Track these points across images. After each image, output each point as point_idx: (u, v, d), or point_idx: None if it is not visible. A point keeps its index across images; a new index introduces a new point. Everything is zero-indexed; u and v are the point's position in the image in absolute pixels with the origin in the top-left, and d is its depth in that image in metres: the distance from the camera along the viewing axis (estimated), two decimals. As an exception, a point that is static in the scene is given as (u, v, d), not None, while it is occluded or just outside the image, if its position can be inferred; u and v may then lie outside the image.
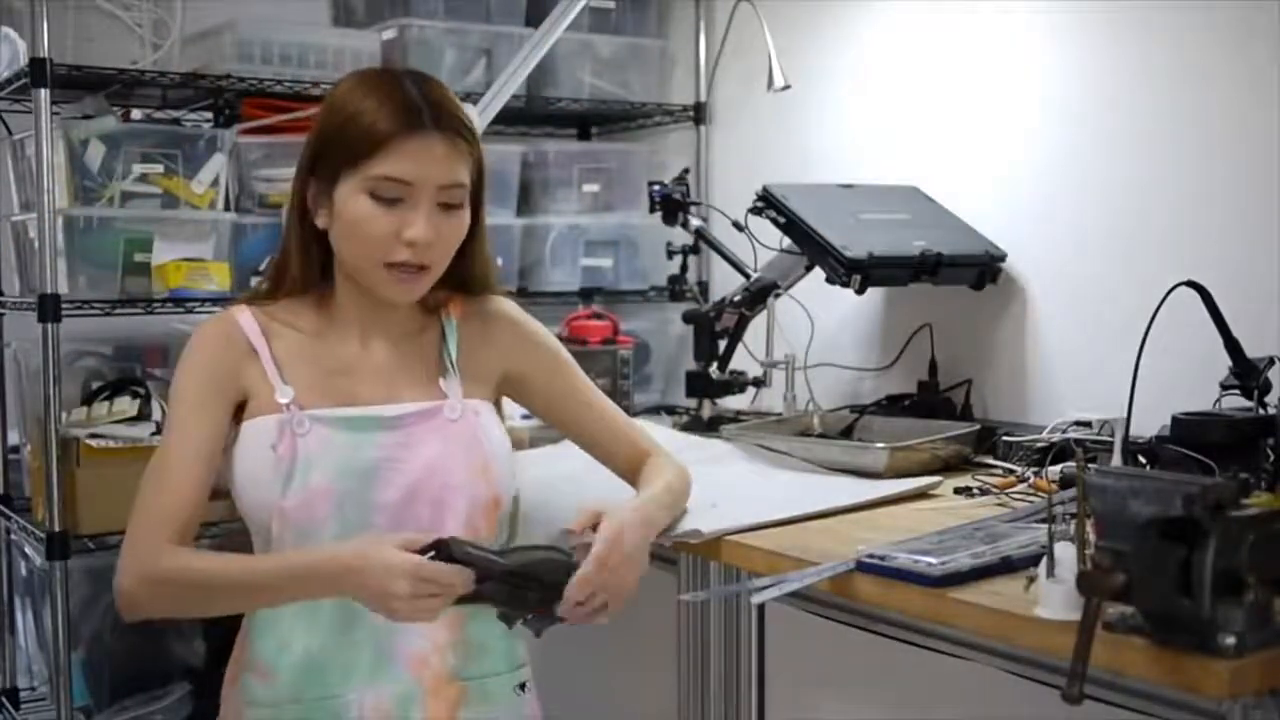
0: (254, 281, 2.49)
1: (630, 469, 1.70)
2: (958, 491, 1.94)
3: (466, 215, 1.54)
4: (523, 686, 1.62)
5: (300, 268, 1.58)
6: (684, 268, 2.96)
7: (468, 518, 1.53)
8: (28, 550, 2.65)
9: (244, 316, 1.57)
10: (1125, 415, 1.72)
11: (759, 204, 2.34)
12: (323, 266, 1.59)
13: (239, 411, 1.55)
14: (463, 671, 1.55)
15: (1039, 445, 2.02)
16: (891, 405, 2.39)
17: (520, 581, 1.42)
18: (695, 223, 2.70)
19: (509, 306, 1.70)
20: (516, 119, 3.04)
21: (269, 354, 1.54)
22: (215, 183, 2.54)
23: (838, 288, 2.23)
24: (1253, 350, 1.77)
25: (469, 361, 1.62)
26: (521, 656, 1.63)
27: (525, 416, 2.25)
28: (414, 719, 1.52)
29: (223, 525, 2.30)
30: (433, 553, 1.38)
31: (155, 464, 1.52)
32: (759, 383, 2.51)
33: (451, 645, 1.54)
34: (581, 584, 1.43)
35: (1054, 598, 1.28)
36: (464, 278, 1.63)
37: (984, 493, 1.91)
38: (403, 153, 1.46)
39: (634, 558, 1.48)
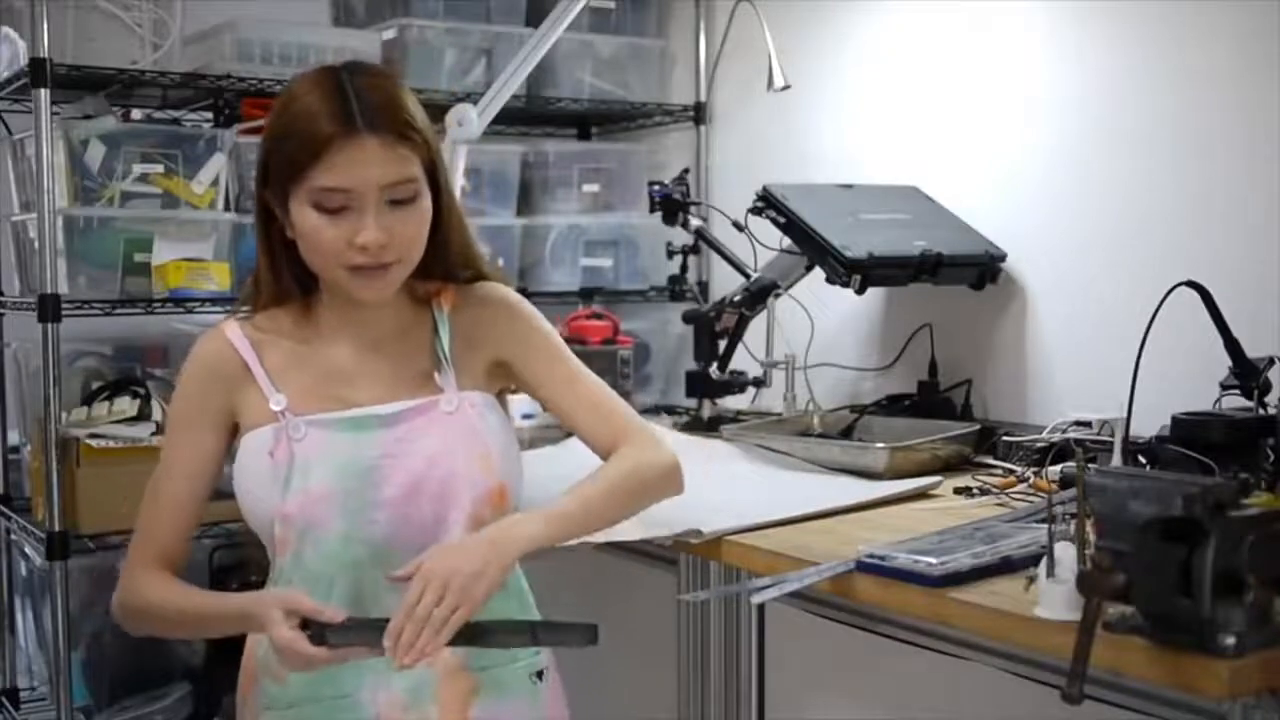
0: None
1: (606, 454, 1.64)
2: (958, 491, 1.94)
3: (424, 205, 1.51)
4: (540, 675, 1.62)
5: (270, 280, 1.57)
6: (684, 268, 2.96)
7: (472, 510, 1.52)
8: (28, 550, 2.65)
9: (233, 332, 1.57)
10: (1125, 415, 1.72)
11: (759, 204, 2.33)
12: (301, 274, 1.58)
13: (239, 429, 1.57)
14: (473, 662, 1.55)
15: (1039, 445, 2.02)
16: (891, 405, 2.39)
17: None
18: (695, 223, 2.70)
19: (501, 292, 1.67)
20: (516, 119, 3.04)
21: (260, 366, 1.55)
22: (215, 183, 2.55)
23: (838, 288, 2.23)
24: (1253, 350, 1.77)
25: (463, 353, 1.61)
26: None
27: (526, 416, 2.25)
28: (428, 711, 1.52)
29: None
30: (308, 629, 1.40)
31: (148, 489, 1.57)
32: (759, 383, 2.51)
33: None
34: (391, 632, 1.38)
35: (1054, 598, 1.28)
36: (446, 265, 1.61)
37: (984, 493, 1.91)
38: (338, 161, 1.44)
39: (465, 575, 1.41)
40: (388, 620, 1.40)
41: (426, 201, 1.52)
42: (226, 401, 1.55)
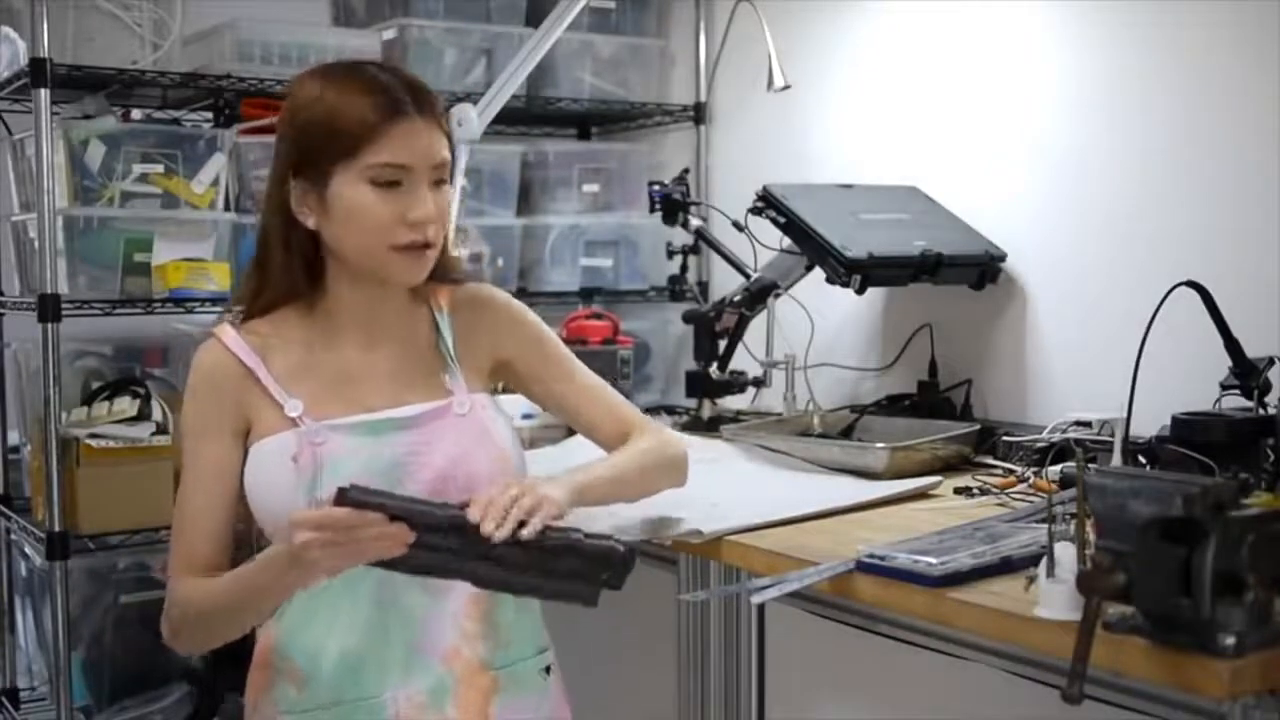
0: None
1: (615, 444, 1.68)
2: (958, 491, 1.94)
3: (451, 191, 1.57)
4: (547, 670, 1.63)
5: (284, 272, 1.56)
6: (684, 268, 2.96)
7: None
8: (28, 550, 2.65)
9: (230, 338, 1.55)
10: (1125, 415, 1.72)
11: (759, 204, 2.33)
12: (306, 272, 1.58)
13: (248, 436, 1.55)
14: (493, 660, 1.56)
15: (1039, 445, 2.02)
16: (891, 405, 2.39)
17: (440, 536, 1.37)
18: (695, 223, 2.70)
19: (496, 293, 1.71)
20: (516, 119, 3.04)
21: (267, 372, 1.54)
22: (215, 183, 2.55)
23: (838, 288, 2.23)
24: (1253, 350, 1.77)
25: (465, 354, 1.63)
26: (545, 641, 1.64)
27: (526, 416, 2.25)
28: (448, 711, 1.52)
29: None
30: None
31: (176, 507, 1.55)
32: (759, 383, 2.51)
33: (481, 635, 1.55)
34: (479, 506, 1.38)
35: (1054, 598, 1.28)
36: (443, 260, 1.62)
37: (984, 493, 1.91)
38: (395, 138, 1.48)
39: (534, 487, 1.44)
40: (412, 499, 1.39)
41: (450, 190, 1.58)
42: (236, 408, 1.54)
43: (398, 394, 1.56)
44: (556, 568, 1.40)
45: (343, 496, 1.34)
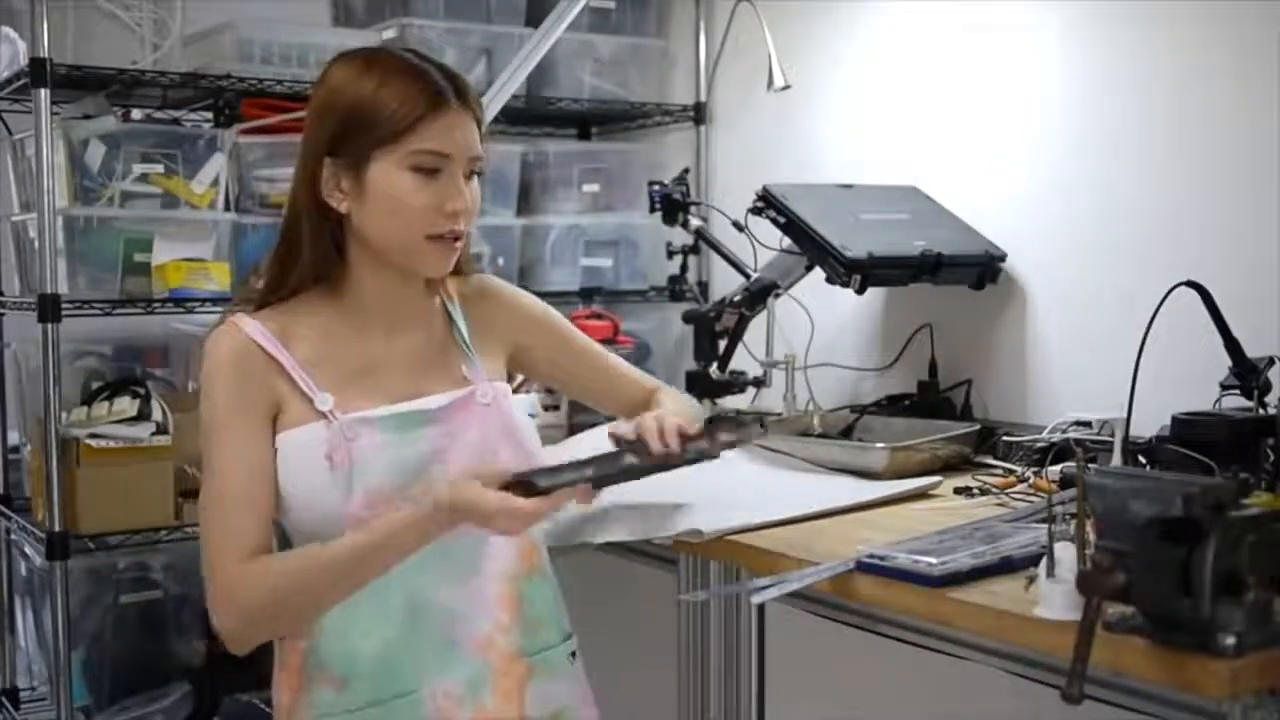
0: (254, 282, 2.48)
1: (635, 411, 1.71)
2: (958, 491, 1.94)
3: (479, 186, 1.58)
4: (573, 655, 1.65)
5: (313, 253, 1.54)
6: (684, 268, 2.96)
7: None
8: (28, 550, 2.66)
9: (251, 326, 1.52)
10: (1125, 415, 1.72)
11: (759, 204, 2.34)
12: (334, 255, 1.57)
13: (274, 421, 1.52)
14: (526, 647, 1.57)
15: (1039, 445, 2.02)
16: (891, 405, 2.39)
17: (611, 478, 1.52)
18: (695, 223, 2.70)
19: (497, 282, 1.72)
20: (516, 119, 3.05)
21: (293, 361, 1.51)
22: (215, 183, 2.55)
23: (838, 288, 2.23)
24: (1253, 350, 1.77)
25: (479, 342, 1.63)
26: (568, 627, 1.66)
27: (529, 416, 2.25)
28: (485, 700, 1.53)
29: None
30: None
31: (209, 499, 1.49)
32: (759, 383, 2.50)
33: (513, 623, 1.56)
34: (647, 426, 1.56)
35: (1054, 598, 1.28)
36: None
37: (984, 493, 1.91)
38: (439, 128, 1.49)
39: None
40: (584, 461, 1.49)
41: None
42: (264, 393, 1.50)
43: (418, 382, 1.56)
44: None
45: (526, 487, 1.40)
